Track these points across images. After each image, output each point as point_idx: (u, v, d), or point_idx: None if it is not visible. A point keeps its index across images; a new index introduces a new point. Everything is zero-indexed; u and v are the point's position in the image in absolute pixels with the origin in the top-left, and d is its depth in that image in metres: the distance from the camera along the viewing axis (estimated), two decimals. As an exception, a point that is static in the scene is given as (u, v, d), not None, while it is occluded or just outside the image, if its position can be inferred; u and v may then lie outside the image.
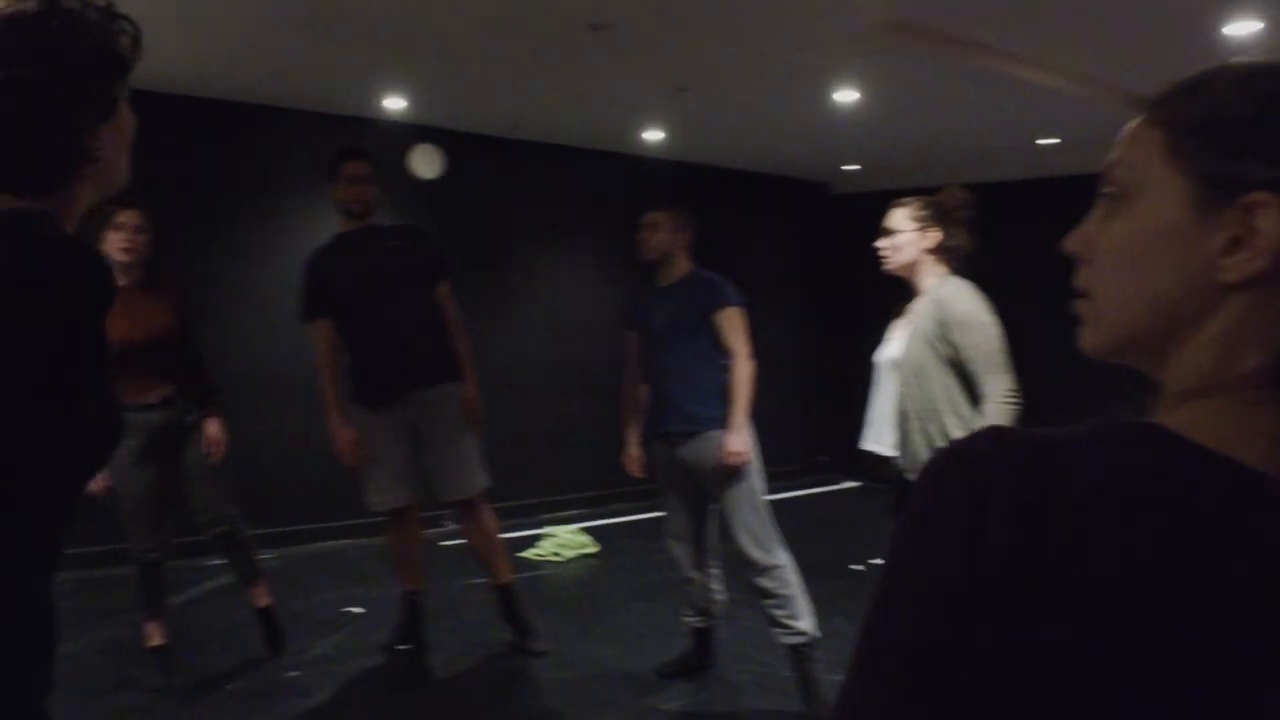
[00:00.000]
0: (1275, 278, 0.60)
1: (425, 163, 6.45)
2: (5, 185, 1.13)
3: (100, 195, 1.25)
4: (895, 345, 3.10)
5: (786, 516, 3.93)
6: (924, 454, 2.83)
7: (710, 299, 3.74)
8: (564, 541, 6.10)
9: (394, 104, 5.87)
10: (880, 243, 3.04)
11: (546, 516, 6.65)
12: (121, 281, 3.63)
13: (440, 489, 4.19)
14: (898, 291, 3.12)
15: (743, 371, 3.67)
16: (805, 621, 3.56)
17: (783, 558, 3.61)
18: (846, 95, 5.54)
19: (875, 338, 3.29)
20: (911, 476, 2.83)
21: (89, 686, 3.80)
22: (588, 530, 6.30)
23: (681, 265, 3.86)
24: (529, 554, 5.99)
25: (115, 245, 3.61)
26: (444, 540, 5.60)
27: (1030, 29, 4.30)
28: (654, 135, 6.76)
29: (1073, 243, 0.71)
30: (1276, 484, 0.58)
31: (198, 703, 3.70)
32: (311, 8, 4.25)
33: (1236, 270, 0.61)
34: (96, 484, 3.48)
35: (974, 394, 2.83)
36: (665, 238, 3.84)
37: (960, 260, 3.01)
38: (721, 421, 3.64)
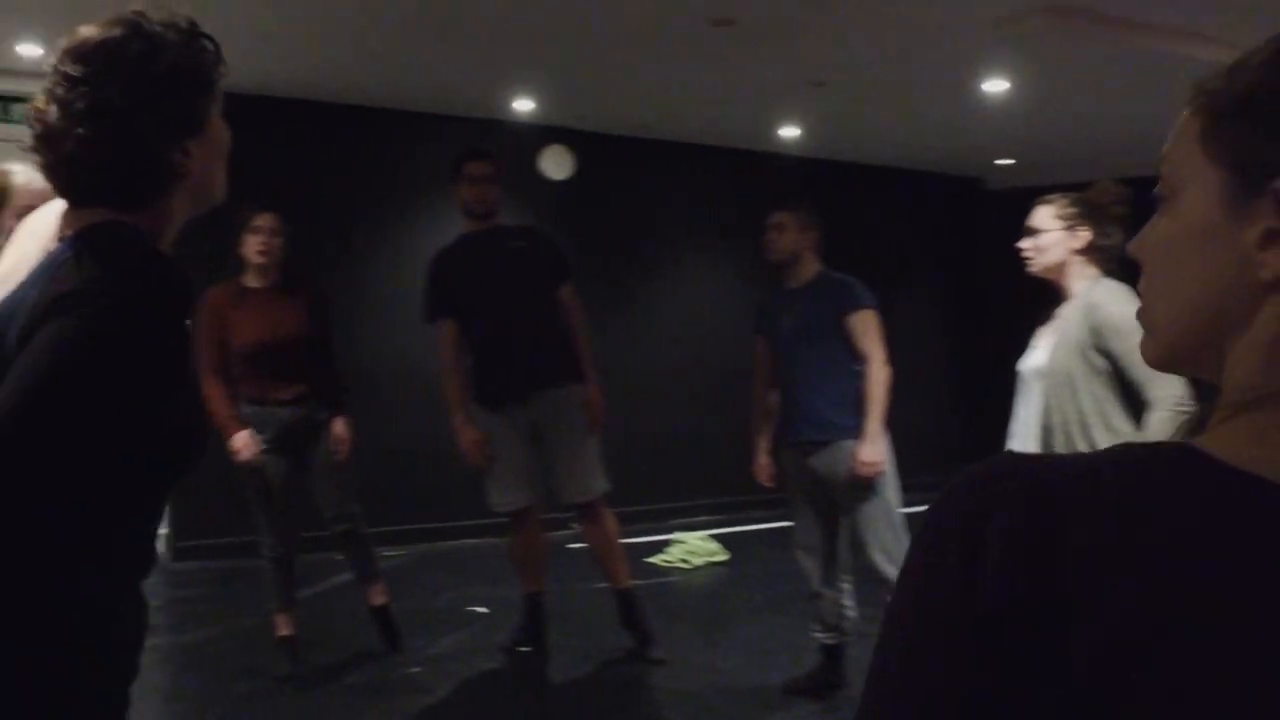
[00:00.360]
0: None
1: (556, 164, 6.49)
2: (100, 200, 1.20)
3: (198, 209, 1.31)
4: (1040, 353, 2.88)
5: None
6: None
7: (841, 302, 3.60)
8: (693, 548, 6.00)
9: (523, 105, 5.93)
10: (1023, 243, 2.85)
11: (677, 522, 6.56)
12: (257, 284, 3.77)
13: (560, 491, 4.17)
14: (1050, 294, 2.90)
15: (877, 377, 3.53)
16: None
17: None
18: (996, 85, 5.28)
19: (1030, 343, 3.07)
20: None
21: (220, 671, 3.97)
22: (718, 537, 6.19)
23: (810, 266, 3.73)
24: (657, 560, 5.92)
25: (252, 248, 3.74)
26: (572, 543, 5.59)
27: (1204, 1, 3.96)
28: (790, 132, 6.61)
29: (1133, 247, 0.65)
30: None
31: (318, 693, 3.80)
32: (439, 11, 4.32)
33: (1273, 267, 0.55)
34: (247, 450, 3.60)
35: (1129, 405, 2.60)
36: (792, 238, 3.71)
37: (1113, 261, 2.77)
38: (855, 430, 3.50)
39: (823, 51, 4.78)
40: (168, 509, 5.05)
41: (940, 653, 0.54)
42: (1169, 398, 2.50)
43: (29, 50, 5.01)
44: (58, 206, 1.28)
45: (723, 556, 5.96)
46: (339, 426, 3.93)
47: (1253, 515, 0.52)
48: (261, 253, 3.76)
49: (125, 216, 1.20)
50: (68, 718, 1.16)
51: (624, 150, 6.74)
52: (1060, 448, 2.68)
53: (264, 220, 3.80)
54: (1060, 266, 2.79)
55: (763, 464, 3.88)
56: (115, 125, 1.17)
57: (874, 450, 3.47)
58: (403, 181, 6.15)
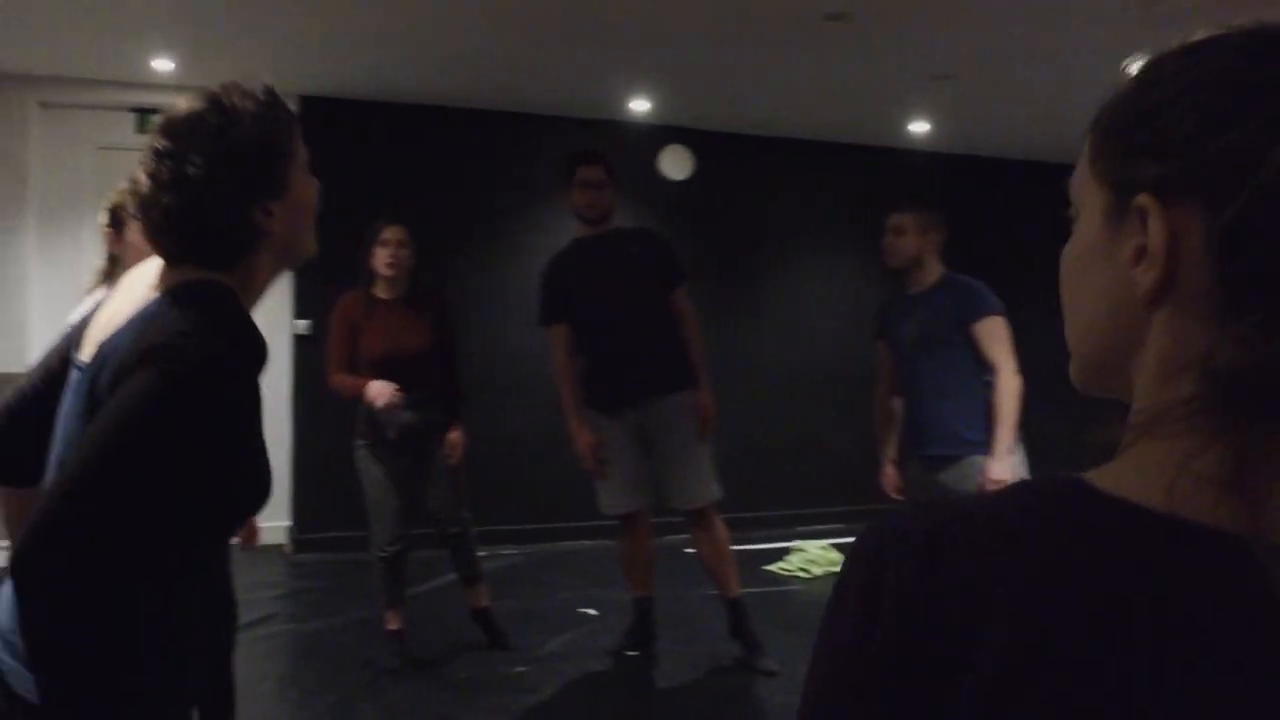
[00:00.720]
0: (1186, 290, 0.55)
1: (674, 164, 6.46)
2: (191, 259, 1.33)
3: (287, 265, 1.44)
4: None
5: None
6: None
7: (966, 308, 3.44)
8: (813, 557, 5.87)
9: (640, 106, 5.92)
10: None
11: (797, 530, 6.43)
12: (386, 295, 3.88)
13: (671, 497, 4.12)
14: None
15: (1007, 388, 3.35)
16: None
17: None
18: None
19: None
20: None
21: (334, 660, 4.11)
22: (839, 547, 6.01)
23: (933, 270, 3.58)
24: (775, 568, 5.83)
25: (381, 260, 3.86)
26: (687, 548, 5.53)
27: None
28: (920, 127, 6.38)
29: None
30: (1206, 534, 0.51)
31: (424, 687, 3.88)
32: (557, 13, 4.36)
33: (1144, 284, 0.56)
34: (383, 396, 3.75)
35: None
36: (912, 242, 3.57)
37: None
38: (984, 445, 3.35)
39: (946, 43, 4.61)
40: (289, 504, 5.30)
41: (846, 698, 0.56)
42: None
43: (163, 64, 5.30)
44: (159, 260, 1.39)
45: (844, 566, 5.79)
46: (454, 432, 4.02)
47: (1127, 545, 0.53)
48: (390, 265, 3.87)
49: (216, 275, 1.33)
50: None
51: (744, 149, 6.66)
52: None
53: (392, 233, 3.91)
54: None
55: (889, 474, 3.77)
56: (196, 193, 1.30)
57: (1004, 468, 3.30)
58: (521, 183, 6.24)
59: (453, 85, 5.69)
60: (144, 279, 1.40)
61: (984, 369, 3.40)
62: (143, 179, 1.33)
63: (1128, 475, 0.55)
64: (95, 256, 5.68)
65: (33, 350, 5.45)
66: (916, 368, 3.52)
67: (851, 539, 0.59)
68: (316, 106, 5.86)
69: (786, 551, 5.98)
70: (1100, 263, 0.60)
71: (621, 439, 4.09)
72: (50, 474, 1.35)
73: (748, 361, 6.74)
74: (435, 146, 6.10)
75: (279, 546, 5.90)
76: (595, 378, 4.14)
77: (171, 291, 1.30)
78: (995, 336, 3.38)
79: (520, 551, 5.90)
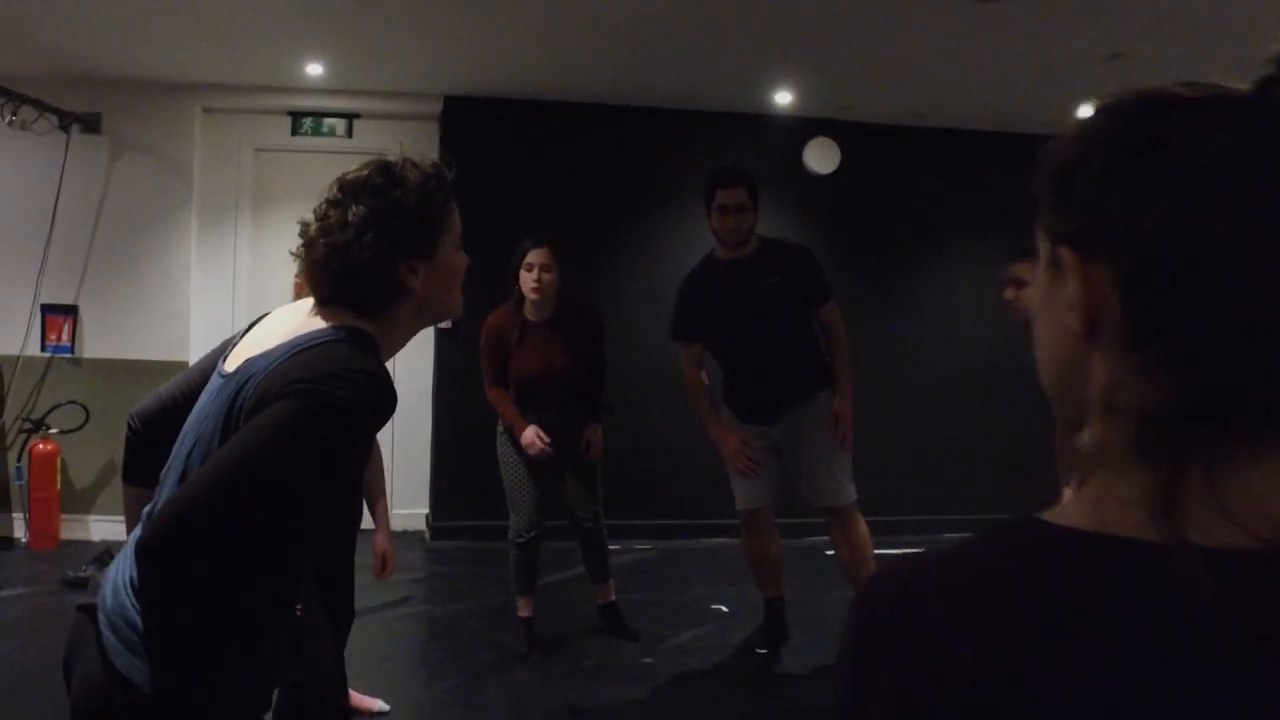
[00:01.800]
0: (1109, 334, 0.61)
1: (820, 157, 6.39)
2: (339, 301, 1.53)
3: (428, 323, 1.66)
4: None
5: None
6: None
7: None
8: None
9: (783, 99, 5.90)
10: None
11: (947, 536, 6.23)
12: (534, 317, 4.00)
13: (808, 496, 4.08)
14: None
15: None
16: None
17: None
18: None
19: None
20: None
21: (465, 642, 4.30)
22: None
23: None
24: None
25: (526, 284, 3.97)
26: (830, 549, 5.47)
27: None
28: (1088, 110, 6.10)
29: None
30: (1137, 548, 0.57)
31: (549, 671, 4.00)
32: (696, 7, 4.40)
33: (1073, 324, 0.63)
34: (534, 446, 3.93)
35: None
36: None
37: None
38: None
39: (1116, 18, 4.39)
40: (428, 492, 5.53)
41: None
42: None
43: (314, 69, 5.62)
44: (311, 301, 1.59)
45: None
46: (594, 433, 4.15)
47: (1069, 568, 0.58)
48: (535, 290, 3.95)
49: (362, 322, 1.51)
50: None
51: (893, 140, 6.53)
52: None
53: (535, 256, 3.96)
54: None
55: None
56: (352, 239, 1.49)
57: None
58: (665, 180, 6.30)
59: (596, 82, 5.81)
60: (298, 311, 1.57)
61: None
62: (312, 222, 1.55)
63: (1086, 511, 0.61)
64: (250, 252, 6.12)
65: (193, 339, 5.87)
66: None
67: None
68: (460, 106, 6.10)
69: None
70: (1049, 306, 0.66)
71: (755, 439, 4.09)
72: (174, 466, 1.50)
73: (897, 362, 6.60)
74: (579, 144, 6.24)
75: (418, 533, 6.15)
76: (733, 391, 4.16)
77: (326, 332, 1.47)
78: None
79: (655, 547, 5.95)
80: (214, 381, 1.53)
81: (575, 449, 4.13)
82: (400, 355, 6.17)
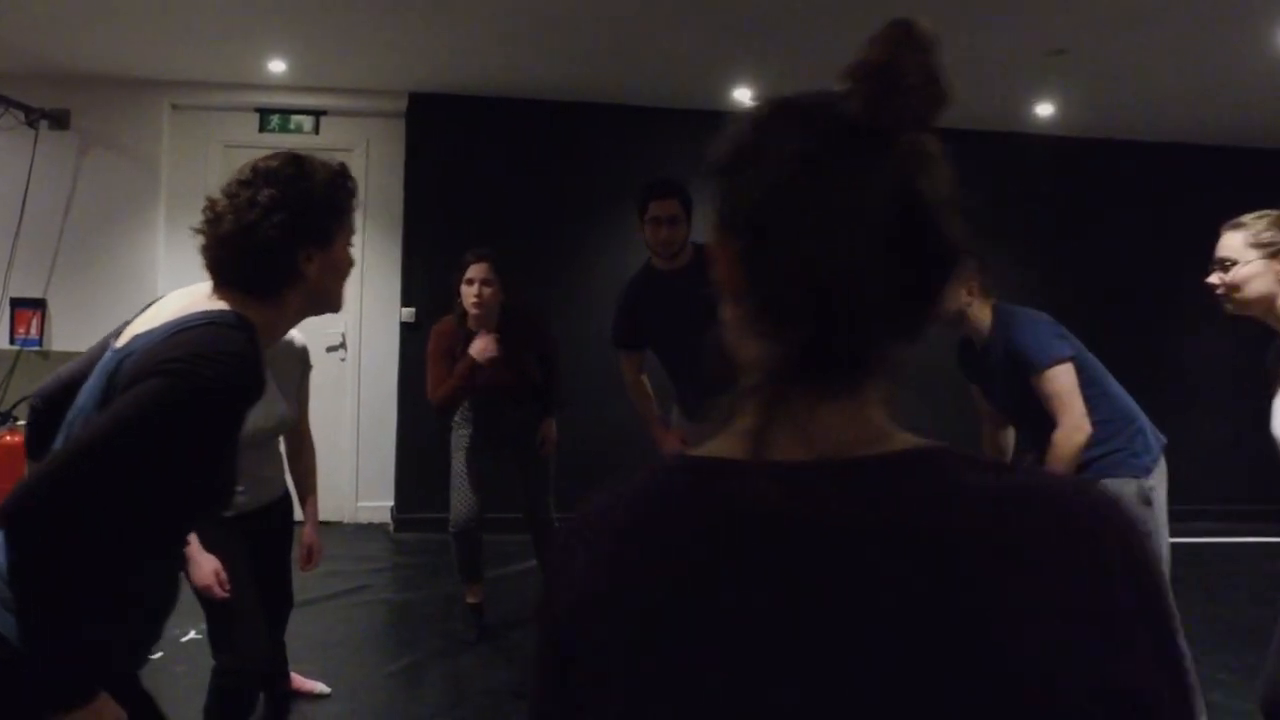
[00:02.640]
0: (742, 304, 0.76)
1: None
2: (232, 283, 1.63)
3: (313, 312, 1.76)
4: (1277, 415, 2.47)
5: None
6: None
7: (1023, 367, 3.24)
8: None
9: (742, 95, 5.99)
10: (1213, 279, 2.49)
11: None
12: (477, 328, 4.06)
13: None
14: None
15: (1062, 443, 3.16)
16: None
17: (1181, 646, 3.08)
18: None
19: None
20: None
21: (419, 628, 4.48)
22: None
23: (983, 316, 3.37)
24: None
25: (467, 299, 4.03)
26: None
27: None
28: (1045, 110, 6.21)
29: None
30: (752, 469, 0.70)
31: (491, 656, 4.14)
32: (657, 4, 4.50)
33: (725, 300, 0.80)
34: (485, 351, 3.99)
35: None
36: (954, 298, 3.33)
37: None
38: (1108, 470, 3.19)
39: (1056, 15, 4.49)
40: (393, 484, 5.64)
41: (540, 659, 0.78)
42: None
43: (277, 66, 5.74)
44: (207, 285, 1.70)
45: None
46: (548, 427, 4.28)
47: (689, 486, 0.74)
48: (476, 304, 4.01)
49: (250, 305, 1.62)
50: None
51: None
52: None
53: (476, 271, 4.01)
54: (1267, 302, 2.40)
55: None
56: (259, 216, 1.60)
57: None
58: (629, 176, 6.37)
59: (560, 79, 5.91)
60: (191, 293, 1.67)
61: (1089, 381, 3.22)
62: (220, 199, 1.65)
63: (715, 443, 0.77)
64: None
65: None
66: (1023, 426, 3.44)
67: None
68: (425, 103, 6.22)
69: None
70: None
71: (698, 436, 4.18)
72: (60, 438, 1.62)
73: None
74: (543, 140, 6.35)
75: (383, 525, 6.27)
76: (680, 393, 4.26)
77: (206, 315, 1.56)
78: (1051, 391, 3.17)
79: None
80: (104, 357, 1.63)
81: (531, 446, 4.25)
82: (366, 349, 6.34)
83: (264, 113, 6.33)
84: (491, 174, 6.27)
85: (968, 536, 0.66)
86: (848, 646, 0.65)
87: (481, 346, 3.98)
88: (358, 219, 5.21)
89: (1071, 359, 3.22)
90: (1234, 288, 2.42)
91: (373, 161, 6.37)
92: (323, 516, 3.44)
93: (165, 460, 1.44)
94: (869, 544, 0.66)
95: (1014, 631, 0.63)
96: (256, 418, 2.81)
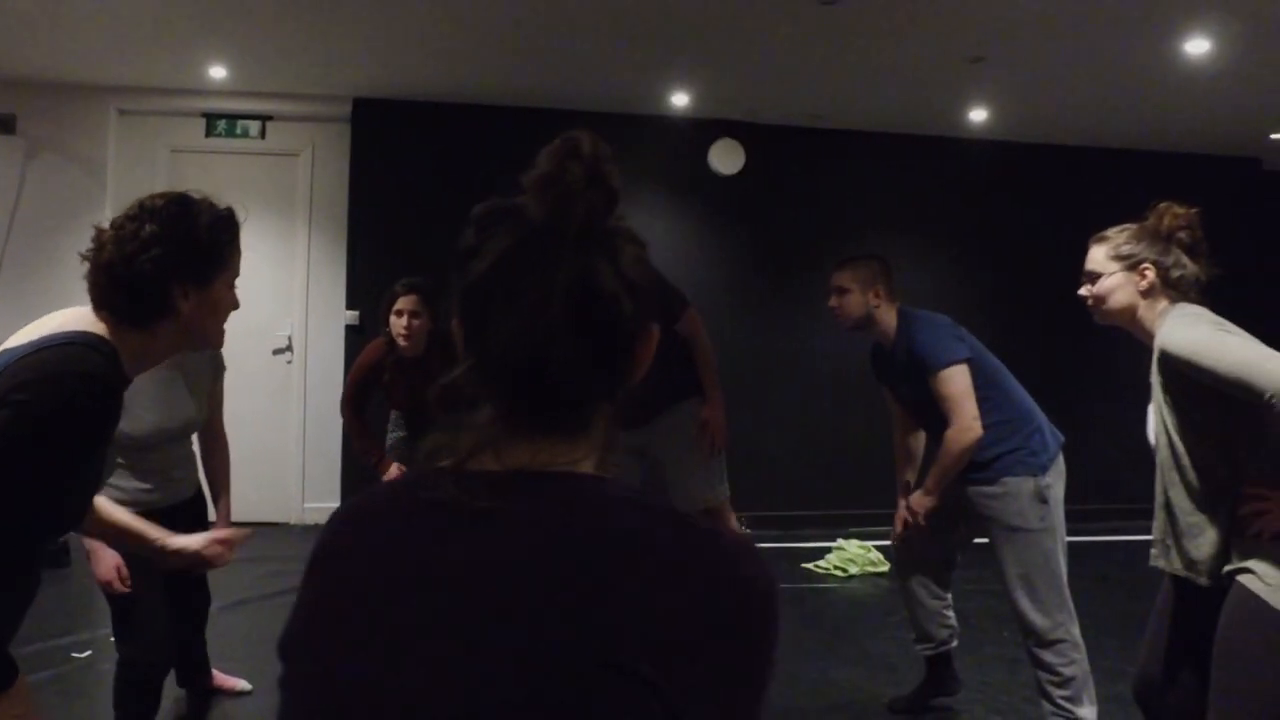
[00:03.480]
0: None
1: (724, 158, 6.60)
2: (109, 308, 1.71)
3: (188, 347, 1.86)
4: (1151, 421, 2.57)
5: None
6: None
7: (923, 366, 3.38)
8: (851, 556, 5.93)
9: (679, 100, 6.09)
10: (1082, 291, 2.59)
11: (852, 530, 6.47)
12: (407, 355, 4.13)
13: (678, 501, 4.28)
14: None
15: (954, 441, 3.32)
16: (1087, 710, 3.21)
17: (1073, 631, 3.25)
18: (1198, 46, 4.80)
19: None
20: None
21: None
22: (883, 548, 6.04)
23: (888, 318, 3.52)
24: (813, 565, 5.91)
25: (396, 329, 4.09)
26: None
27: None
28: (978, 115, 6.32)
29: None
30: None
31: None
32: (587, 9, 4.57)
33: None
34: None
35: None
36: (857, 301, 3.51)
37: (1191, 294, 2.46)
38: (1016, 468, 3.32)
39: (970, 23, 4.57)
40: (339, 487, 5.77)
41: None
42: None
43: (218, 72, 5.81)
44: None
45: (883, 568, 5.83)
46: None
47: (409, 487, 0.92)
48: (404, 336, 4.06)
49: (123, 329, 1.71)
50: None
51: (797, 142, 6.74)
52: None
53: (405, 303, 4.06)
54: (1127, 313, 2.49)
55: (899, 520, 3.67)
56: (138, 249, 1.69)
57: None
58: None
59: (504, 85, 5.99)
60: (71, 313, 1.76)
61: (987, 382, 3.38)
62: (107, 230, 1.75)
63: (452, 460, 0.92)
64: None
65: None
66: (930, 426, 3.54)
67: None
68: (369, 108, 6.30)
69: (830, 550, 6.05)
70: None
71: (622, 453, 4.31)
72: None
73: (800, 360, 6.82)
74: (488, 145, 6.41)
75: (329, 529, 6.36)
76: None
77: (68, 335, 1.66)
78: (945, 390, 3.32)
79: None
80: None
81: None
82: (311, 352, 6.40)
83: (210, 118, 6.40)
84: (435, 178, 6.35)
85: (572, 540, 0.83)
86: (444, 607, 0.82)
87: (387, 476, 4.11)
88: (302, 223, 5.37)
89: (967, 361, 3.37)
90: (1100, 299, 2.52)
91: (319, 166, 6.46)
92: (270, 518, 3.54)
93: (14, 486, 1.54)
94: (499, 529, 0.84)
95: (572, 626, 0.78)
96: (160, 419, 2.94)
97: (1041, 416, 3.43)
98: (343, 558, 0.90)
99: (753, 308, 6.67)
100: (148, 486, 3.00)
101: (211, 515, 3.29)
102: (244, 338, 6.16)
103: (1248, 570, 2.22)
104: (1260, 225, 7.49)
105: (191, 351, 1.87)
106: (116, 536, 2.17)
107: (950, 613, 3.71)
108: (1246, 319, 7.15)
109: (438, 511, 0.86)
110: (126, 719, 2.88)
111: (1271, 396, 2.09)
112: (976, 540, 3.57)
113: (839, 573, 5.83)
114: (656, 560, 0.82)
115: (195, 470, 3.25)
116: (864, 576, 5.76)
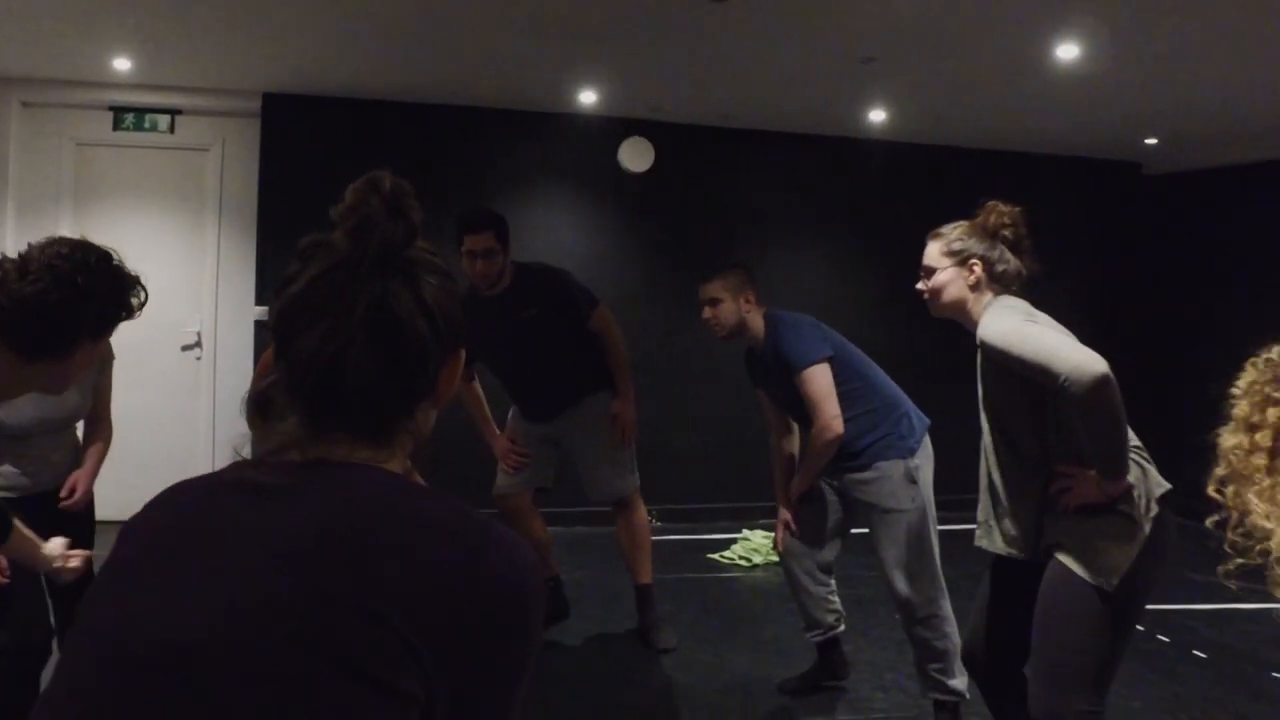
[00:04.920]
0: None
1: (634, 156, 6.70)
2: (10, 344, 1.83)
3: (41, 387, 1.99)
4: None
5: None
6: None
7: (787, 368, 3.57)
8: (755, 546, 6.08)
9: (587, 98, 6.17)
10: (920, 285, 2.74)
11: (760, 522, 6.61)
12: None
13: (589, 490, 4.42)
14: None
15: (818, 438, 3.52)
16: (959, 680, 3.35)
17: (944, 607, 3.40)
18: (1068, 51, 4.96)
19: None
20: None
21: None
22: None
23: (757, 324, 3.70)
24: (718, 556, 6.04)
25: None
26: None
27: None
28: (877, 116, 6.49)
29: None
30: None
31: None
32: (495, 5, 4.59)
33: None
34: None
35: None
36: (730, 310, 3.71)
37: (1013, 286, 2.62)
38: (886, 452, 3.49)
39: (859, 24, 4.67)
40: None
41: None
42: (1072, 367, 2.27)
43: (122, 64, 5.74)
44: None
45: (786, 557, 5.97)
46: None
47: (221, 474, 1.02)
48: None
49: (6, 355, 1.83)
50: None
51: (704, 141, 6.87)
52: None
53: None
54: (958, 306, 2.64)
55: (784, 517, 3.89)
56: (66, 297, 1.84)
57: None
58: (486, 179, 6.54)
59: (413, 81, 6.00)
60: None
61: (854, 375, 3.56)
62: (34, 263, 1.86)
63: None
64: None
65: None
66: (805, 424, 3.69)
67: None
68: (279, 103, 6.28)
69: (735, 541, 6.20)
70: None
71: (532, 437, 4.45)
72: None
73: (709, 356, 6.94)
74: (394, 141, 6.44)
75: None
76: (512, 398, 4.49)
77: None
78: (806, 390, 3.50)
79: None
80: None
81: None
82: (221, 348, 6.29)
83: (118, 111, 6.32)
84: (345, 174, 5.96)
85: (350, 507, 0.94)
86: (215, 562, 0.92)
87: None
88: (211, 219, 5.44)
89: (829, 359, 3.53)
90: (935, 293, 2.66)
91: (228, 161, 6.42)
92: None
93: None
94: (287, 500, 0.94)
95: (339, 576, 0.88)
96: (42, 410, 2.94)
97: (908, 402, 3.61)
98: (146, 528, 1.00)
99: (663, 304, 6.78)
100: (27, 471, 2.99)
101: (100, 515, 3.22)
102: (153, 334, 6.12)
103: (1061, 546, 2.39)
104: (1140, 229, 7.81)
105: (38, 392, 2.04)
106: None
107: (835, 599, 3.85)
108: (1127, 320, 7.57)
109: (236, 488, 0.97)
110: (2, 710, 2.88)
111: (1065, 380, 2.25)
112: (856, 531, 3.74)
113: (743, 562, 5.97)
114: (426, 533, 0.93)
115: (76, 456, 3.20)
116: (767, 565, 5.90)
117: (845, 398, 3.52)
